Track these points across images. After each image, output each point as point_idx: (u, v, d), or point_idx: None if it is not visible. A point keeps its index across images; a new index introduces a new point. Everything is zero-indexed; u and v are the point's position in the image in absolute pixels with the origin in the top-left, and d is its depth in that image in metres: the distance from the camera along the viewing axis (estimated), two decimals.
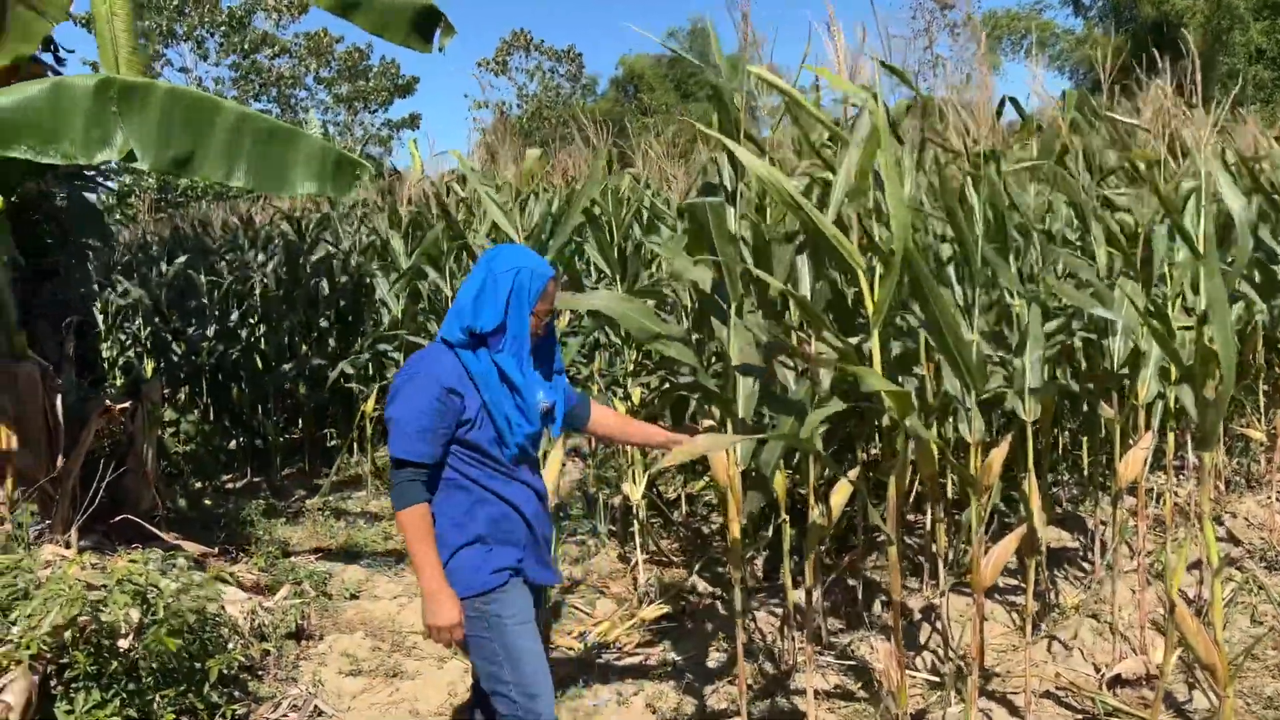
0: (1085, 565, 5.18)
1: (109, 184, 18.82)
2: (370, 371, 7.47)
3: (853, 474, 3.01)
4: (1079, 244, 4.41)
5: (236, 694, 3.78)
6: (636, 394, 5.12)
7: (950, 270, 3.54)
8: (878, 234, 2.77)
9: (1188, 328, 3.60)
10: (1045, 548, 4.99)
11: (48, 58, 6.17)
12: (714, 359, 3.96)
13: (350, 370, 7.34)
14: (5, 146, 3.58)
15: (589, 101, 34.69)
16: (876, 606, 4.68)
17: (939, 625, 4.36)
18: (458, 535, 2.51)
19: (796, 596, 4.34)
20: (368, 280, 7.61)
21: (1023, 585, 4.87)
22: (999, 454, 3.42)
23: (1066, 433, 6.28)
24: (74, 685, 3.30)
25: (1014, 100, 4.65)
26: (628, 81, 36.13)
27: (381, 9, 4.51)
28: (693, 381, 3.08)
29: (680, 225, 4.75)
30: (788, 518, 3.72)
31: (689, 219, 2.69)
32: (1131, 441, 3.77)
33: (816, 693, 3.72)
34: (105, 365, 8.70)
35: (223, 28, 29.06)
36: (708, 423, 2.80)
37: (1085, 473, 5.99)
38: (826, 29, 2.84)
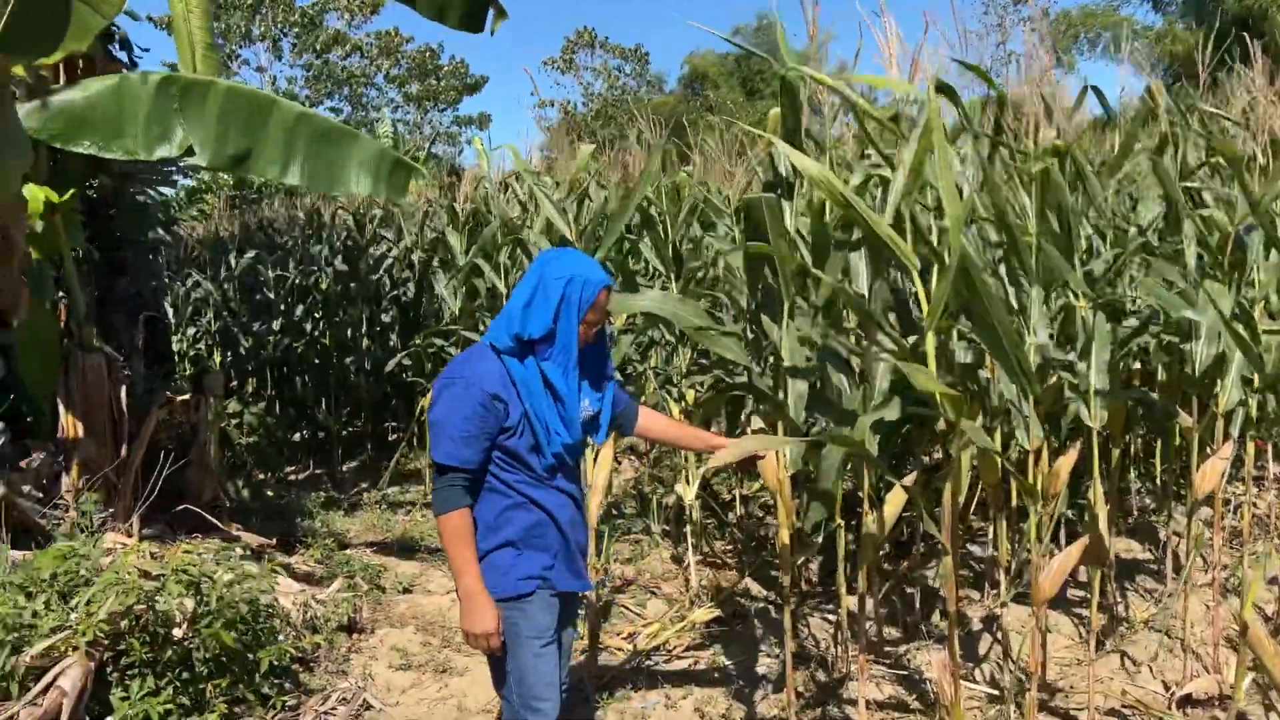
0: (1156, 578, 4.98)
1: (186, 179, 19.35)
2: (429, 367, 7.52)
3: (908, 480, 2.91)
4: (1163, 243, 4.22)
5: (287, 685, 3.81)
6: (690, 395, 5.06)
7: (1005, 274, 3.40)
8: (935, 232, 2.68)
9: (1273, 332, 3.43)
10: (1114, 558, 4.80)
11: (123, 56, 6.33)
12: (768, 360, 3.88)
13: (408, 363, 7.40)
14: (71, 141, 3.66)
15: (653, 99, 34.65)
16: (935, 615, 4.55)
17: (999, 636, 4.22)
18: (489, 538, 2.49)
19: (850, 603, 4.24)
20: (429, 276, 7.67)
21: (1089, 597, 4.71)
22: (1066, 462, 3.29)
23: (1139, 439, 6.05)
24: (129, 673, 3.35)
25: (1097, 90, 4.45)
26: (693, 80, 36.02)
27: None
28: (745, 382, 3.01)
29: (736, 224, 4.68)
30: (843, 522, 3.63)
31: (744, 216, 2.62)
32: (1209, 450, 3.59)
33: (869, 703, 3.62)
34: (176, 357, 8.92)
35: (296, 28, 29.67)
36: (756, 425, 2.73)
37: (1158, 481, 5.77)
38: (880, 23, 2.75)
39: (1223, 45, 4.47)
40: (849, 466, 4.31)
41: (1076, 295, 3.18)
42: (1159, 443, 5.51)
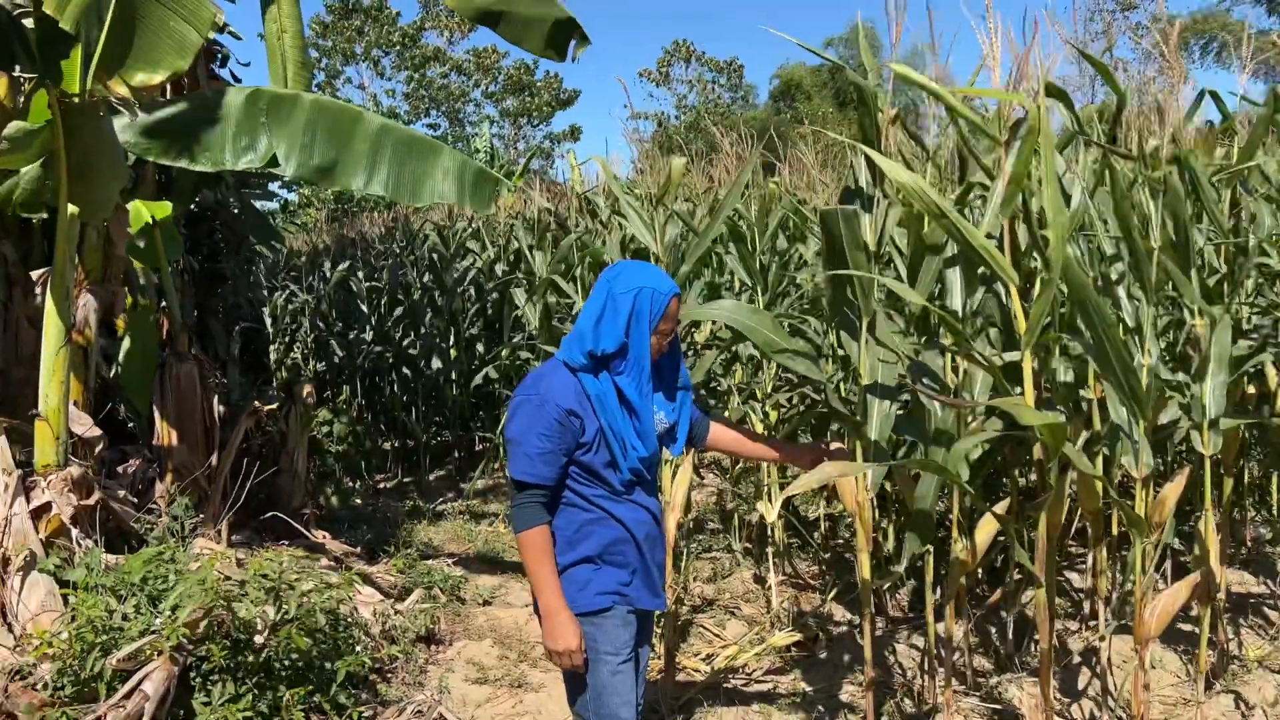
0: (1273, 612, 4.66)
1: (289, 194, 19.99)
2: (513, 378, 7.57)
3: (1000, 508, 2.75)
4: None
5: (364, 696, 3.82)
6: (774, 414, 4.94)
7: (1121, 290, 3.20)
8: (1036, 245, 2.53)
9: None
10: (1226, 591, 4.51)
11: (224, 73, 6.55)
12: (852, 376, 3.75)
13: (494, 375, 7.45)
14: (164, 155, 3.77)
15: (748, 112, 34.49)
16: (1029, 645, 4.33)
17: (1098, 670, 3.99)
18: (567, 553, 2.45)
19: (939, 630, 4.06)
20: (511, 289, 7.72)
21: (1198, 631, 4.43)
22: (1173, 490, 3.08)
23: (1254, 464, 5.69)
24: (210, 678, 3.39)
25: (1215, 94, 4.19)
26: (784, 92, 35.75)
27: (521, 19, 4.56)
28: (823, 397, 2.90)
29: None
30: (931, 548, 3.48)
31: (822, 228, 2.52)
32: None
33: None
34: (273, 365, 9.18)
35: (397, 47, 30.50)
36: (836, 445, 2.61)
37: (1275, 511, 5.41)
38: (984, 25, 2.61)
39: None
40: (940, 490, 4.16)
41: (1193, 312, 2.96)
42: (1276, 470, 5.17)
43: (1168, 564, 4.62)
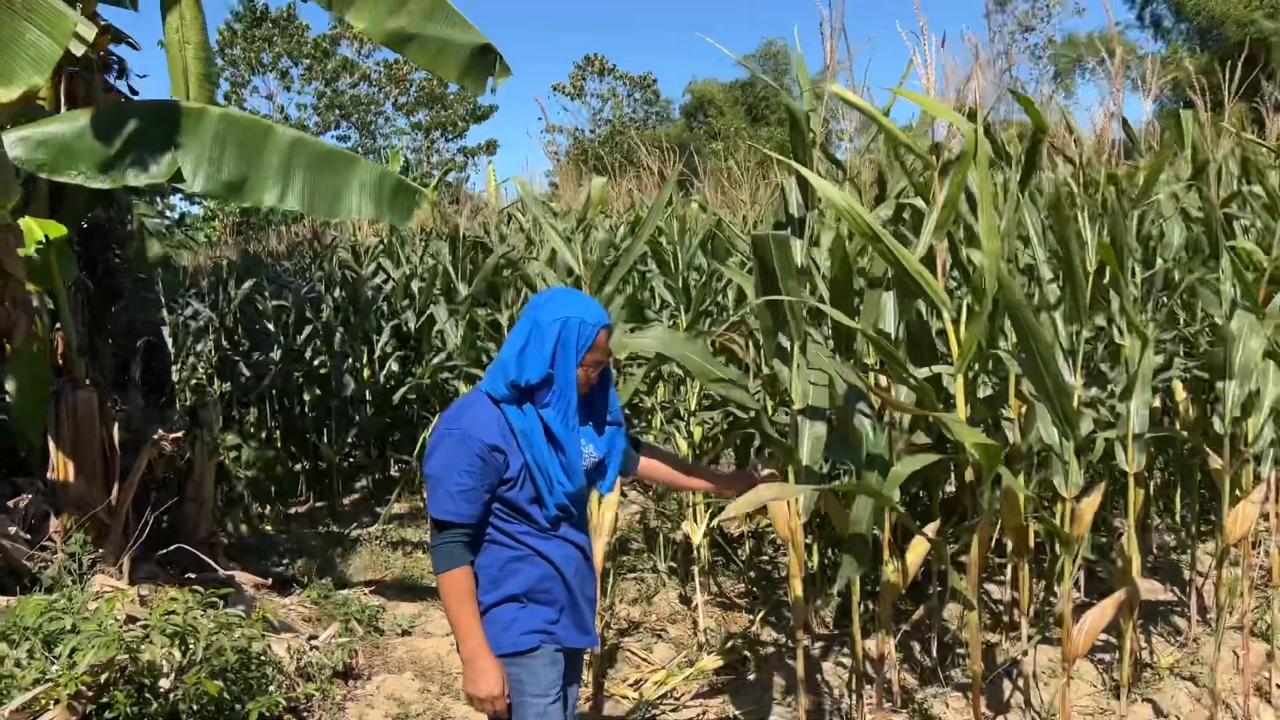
0: (1181, 619, 4.81)
1: (193, 207, 19.32)
2: (431, 399, 7.41)
3: (931, 529, 2.76)
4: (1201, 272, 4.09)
5: None
6: (698, 431, 4.91)
7: (1057, 314, 3.24)
8: (969, 267, 2.54)
9: None
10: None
11: (121, 85, 6.26)
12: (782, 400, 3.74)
13: (411, 396, 7.28)
14: (58, 171, 3.55)
15: (664, 128, 34.68)
16: (954, 660, 4.38)
17: (1020, 684, 4.06)
18: (491, 592, 2.35)
19: (867, 647, 4.07)
20: (430, 306, 7.56)
21: (1114, 642, 4.53)
22: (1090, 505, 3.14)
23: (1158, 475, 5.89)
24: None
25: (1125, 123, 4.33)
26: (696, 108, 36.05)
27: (436, 44, 4.34)
28: (754, 420, 2.87)
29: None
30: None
31: (753, 253, 2.49)
32: (1238, 493, 3.43)
33: None
34: (175, 386, 8.81)
35: (307, 59, 29.82)
36: (767, 471, 2.58)
37: (1177, 519, 5.60)
38: (920, 47, 2.62)
39: (1225, 71, 4.37)
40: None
41: (1121, 331, 3.01)
42: (1179, 480, 5.35)
43: (1080, 574, 4.73)
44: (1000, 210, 2.36)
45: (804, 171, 2.13)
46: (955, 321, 2.20)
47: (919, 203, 2.63)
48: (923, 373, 2.68)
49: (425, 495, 2.37)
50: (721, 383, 2.59)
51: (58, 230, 4.01)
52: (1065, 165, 3.21)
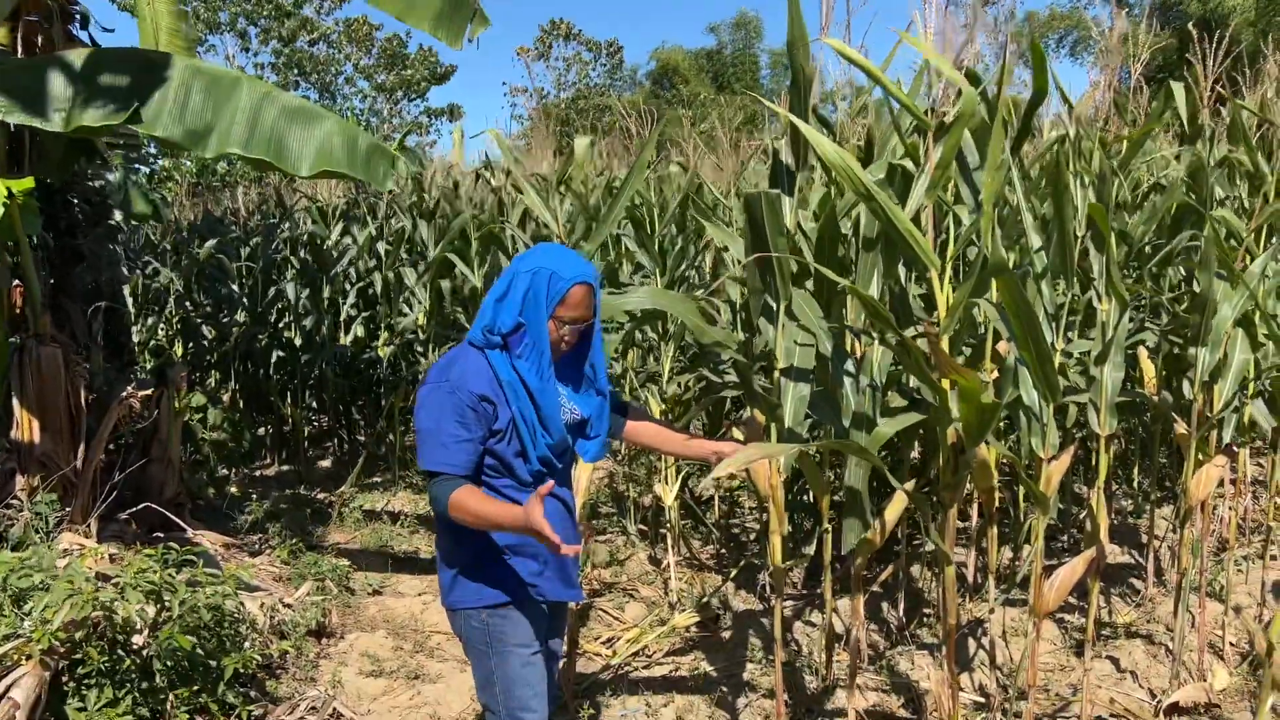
0: (1138, 580, 4.95)
1: (153, 165, 18.87)
2: (399, 361, 7.36)
3: (909, 485, 2.81)
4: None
5: (253, 694, 3.65)
6: (671, 389, 4.93)
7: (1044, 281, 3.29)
8: (953, 232, 2.57)
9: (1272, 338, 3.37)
10: None
11: (84, 35, 6.09)
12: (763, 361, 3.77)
13: (380, 357, 7.23)
14: (11, 114, 3.44)
15: (629, 94, 34.44)
16: (920, 618, 4.48)
17: (985, 643, 4.16)
18: (477, 542, 2.36)
19: (837, 607, 4.14)
20: (396, 268, 7.48)
21: (1074, 603, 4.66)
22: (1059, 466, 3.21)
23: (1118, 442, 6.03)
24: (86, 682, 3.18)
25: (1115, 88, 4.40)
26: (661, 75, 35.85)
27: None
28: (733, 382, 2.89)
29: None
30: (830, 526, 3.53)
31: (743, 211, 2.50)
32: (1201, 458, 3.53)
33: (856, 712, 3.53)
34: (135, 348, 8.65)
35: (267, 18, 29.14)
36: (737, 433, 2.60)
37: (1136, 483, 5.74)
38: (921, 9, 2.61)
39: (1185, 47, 4.45)
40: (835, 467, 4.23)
41: (1099, 296, 3.05)
42: (1139, 447, 5.48)
43: (1047, 540, 4.85)
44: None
45: (803, 126, 2.13)
46: (941, 279, 2.23)
47: (909, 164, 2.65)
48: (909, 333, 2.71)
49: (418, 461, 2.33)
50: (718, 342, 2.60)
51: (24, 185, 3.90)
52: (1054, 131, 3.26)
